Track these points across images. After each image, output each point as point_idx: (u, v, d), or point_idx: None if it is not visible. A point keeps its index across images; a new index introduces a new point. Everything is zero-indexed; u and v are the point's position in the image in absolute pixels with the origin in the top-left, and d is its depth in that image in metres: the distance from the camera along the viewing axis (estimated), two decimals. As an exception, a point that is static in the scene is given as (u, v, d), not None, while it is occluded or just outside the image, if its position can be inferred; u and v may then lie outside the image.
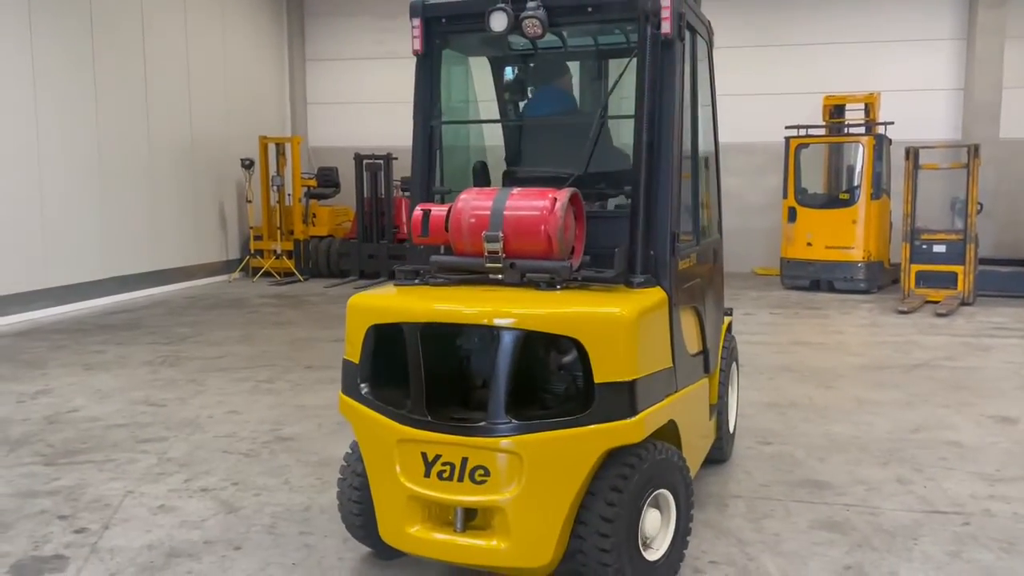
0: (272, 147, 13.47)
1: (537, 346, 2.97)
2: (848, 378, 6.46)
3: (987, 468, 4.39)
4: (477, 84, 4.10)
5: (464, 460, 2.77)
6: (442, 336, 3.01)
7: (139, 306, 10.37)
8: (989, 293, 10.66)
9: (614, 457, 2.79)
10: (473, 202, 3.11)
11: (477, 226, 3.07)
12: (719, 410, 4.17)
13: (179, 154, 12.30)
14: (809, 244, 11.46)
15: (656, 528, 2.93)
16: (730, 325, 4.54)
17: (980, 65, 13.14)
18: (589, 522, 2.74)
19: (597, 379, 2.74)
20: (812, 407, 5.63)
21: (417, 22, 3.60)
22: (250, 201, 13.42)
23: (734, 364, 4.59)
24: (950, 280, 10.25)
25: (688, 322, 3.52)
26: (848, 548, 3.43)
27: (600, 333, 2.76)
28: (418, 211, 3.27)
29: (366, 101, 15.46)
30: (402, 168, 13.88)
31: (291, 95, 15.72)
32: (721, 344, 4.23)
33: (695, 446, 3.62)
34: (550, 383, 3.12)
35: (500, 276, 3.07)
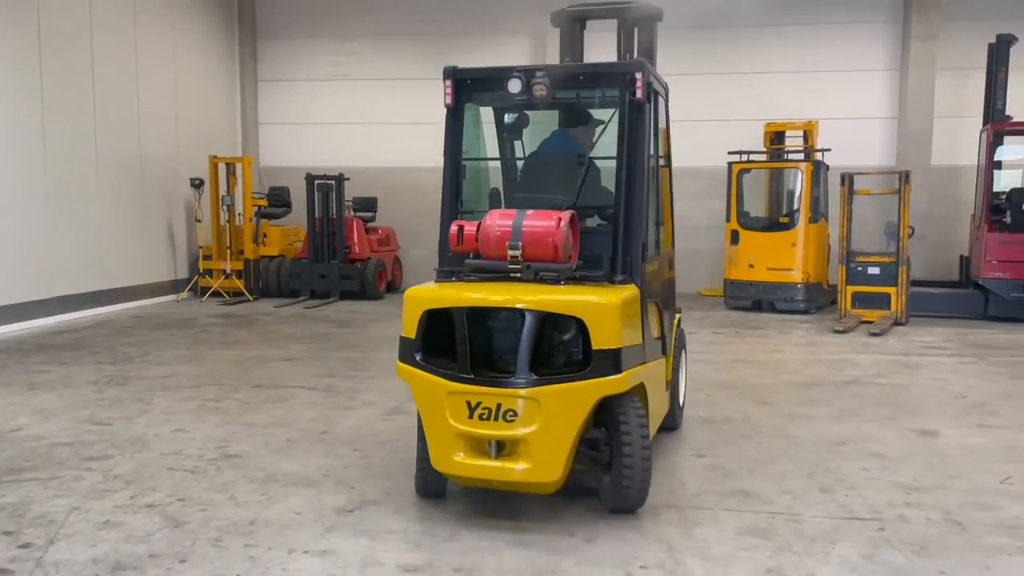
0: (222, 167, 13.46)
1: (548, 325, 3.97)
2: (783, 395, 6.72)
3: (906, 478, 4.64)
4: (487, 129, 5.03)
5: (498, 405, 3.83)
6: (479, 317, 4.01)
7: (84, 326, 10.26)
8: (921, 313, 11.11)
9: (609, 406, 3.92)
10: (498, 220, 4.19)
11: (501, 238, 4.13)
12: (673, 386, 5.31)
13: (127, 173, 12.23)
14: (751, 266, 11.82)
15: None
16: (679, 320, 5.61)
17: (912, 95, 13.73)
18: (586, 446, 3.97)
19: (594, 347, 3.81)
20: (747, 422, 5.86)
21: (449, 82, 4.50)
22: (199, 221, 13.37)
23: (683, 352, 5.75)
24: (884, 301, 10.67)
25: (652, 312, 4.62)
26: (771, 552, 3.62)
27: (596, 314, 3.84)
28: (454, 227, 4.30)
29: (318, 122, 15.54)
30: (354, 188, 13.99)
31: (242, 115, 15.72)
32: (674, 334, 5.36)
33: (655, 410, 4.62)
34: (555, 352, 4.07)
35: (518, 275, 4.11)
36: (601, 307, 3.85)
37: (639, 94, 4.22)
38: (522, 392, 3.79)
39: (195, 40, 14.23)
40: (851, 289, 10.85)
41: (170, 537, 3.77)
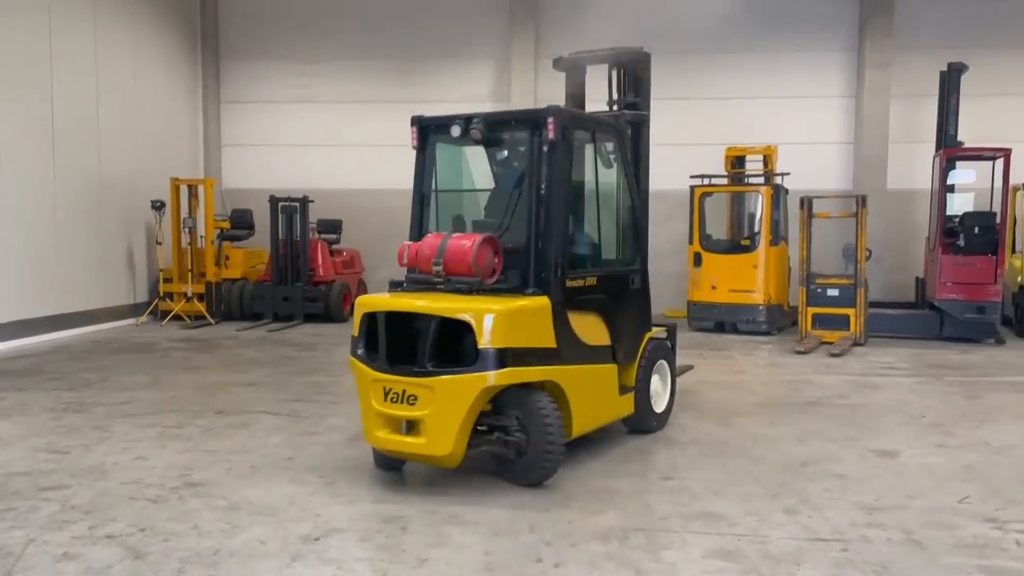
0: (184, 189, 13.32)
1: (449, 326, 4.70)
2: (747, 416, 6.79)
3: (867, 498, 4.71)
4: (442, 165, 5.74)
5: (404, 391, 4.72)
6: (401, 319, 4.86)
7: (40, 351, 10.04)
8: (879, 334, 11.32)
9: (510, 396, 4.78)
10: (429, 242, 5.12)
11: (429, 256, 5.04)
12: (639, 392, 5.84)
13: (86, 195, 12.04)
14: (714, 288, 11.96)
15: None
16: (655, 336, 6.14)
17: (868, 121, 14.09)
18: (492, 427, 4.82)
19: (479, 345, 4.59)
20: (712, 443, 5.91)
21: (415, 129, 5.53)
22: (160, 243, 13.20)
23: (663, 363, 6.24)
24: (843, 322, 10.86)
25: (585, 322, 5.29)
26: (738, 575, 3.65)
27: (480, 319, 4.59)
28: (401, 247, 5.20)
29: (282, 144, 15.48)
30: (318, 210, 13.92)
31: (205, 137, 15.60)
32: (642, 348, 5.90)
33: (590, 406, 5.32)
34: (452, 349, 4.79)
35: (441, 286, 4.99)
36: (483, 313, 4.62)
37: (551, 135, 5.01)
38: (420, 381, 4.66)
39: (157, 60, 14.12)
40: (811, 310, 11.03)
41: (131, 569, 3.69)
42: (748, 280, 11.76)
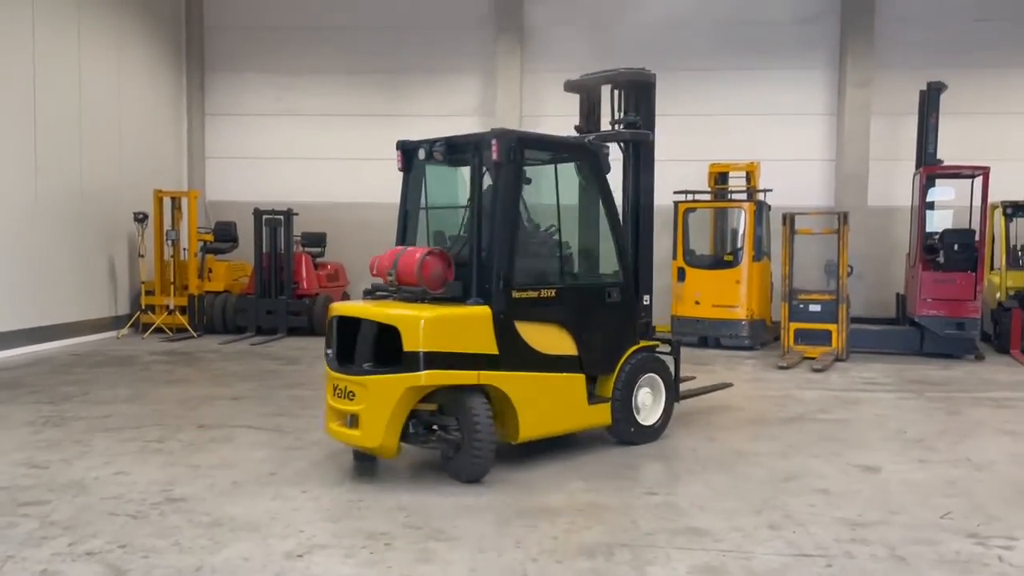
0: (167, 201, 13.25)
1: (386, 331, 5.17)
2: (731, 431, 6.82)
3: (850, 514, 4.73)
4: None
5: (346, 387, 5.27)
6: (348, 323, 5.45)
7: (20, 364, 9.93)
8: (861, 349, 11.40)
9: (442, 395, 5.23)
10: (389, 254, 5.61)
11: (387, 267, 5.54)
12: (618, 404, 6.03)
13: (68, 206, 11.95)
14: (697, 303, 12.02)
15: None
16: (644, 349, 6.28)
17: (849, 139, 14.25)
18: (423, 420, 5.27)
19: (404, 348, 5.02)
20: (696, 458, 5.93)
21: (399, 153, 6.10)
22: (142, 255, 13.10)
23: (653, 377, 6.31)
24: (825, 338, 10.93)
25: (541, 332, 5.61)
26: (723, 591, 3.65)
27: (407, 324, 5.05)
28: (373, 259, 5.66)
29: (267, 156, 15.44)
30: (303, 223, 13.88)
31: (189, 149, 15.54)
32: (622, 361, 6.06)
33: (545, 412, 5.61)
34: (392, 352, 5.15)
35: (395, 295, 5.56)
36: (410, 320, 5.05)
37: (495, 156, 5.41)
38: (357, 379, 5.21)
39: (142, 72, 14.07)
40: (794, 326, 11.10)
41: (112, 586, 3.64)
42: (731, 295, 11.82)
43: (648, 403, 6.31)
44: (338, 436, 5.37)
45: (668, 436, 6.54)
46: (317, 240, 14.26)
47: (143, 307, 13.02)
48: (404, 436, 5.25)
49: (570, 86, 7.08)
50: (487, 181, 5.65)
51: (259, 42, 15.42)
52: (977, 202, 11.29)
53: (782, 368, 10.15)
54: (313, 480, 5.28)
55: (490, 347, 5.28)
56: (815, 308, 11.05)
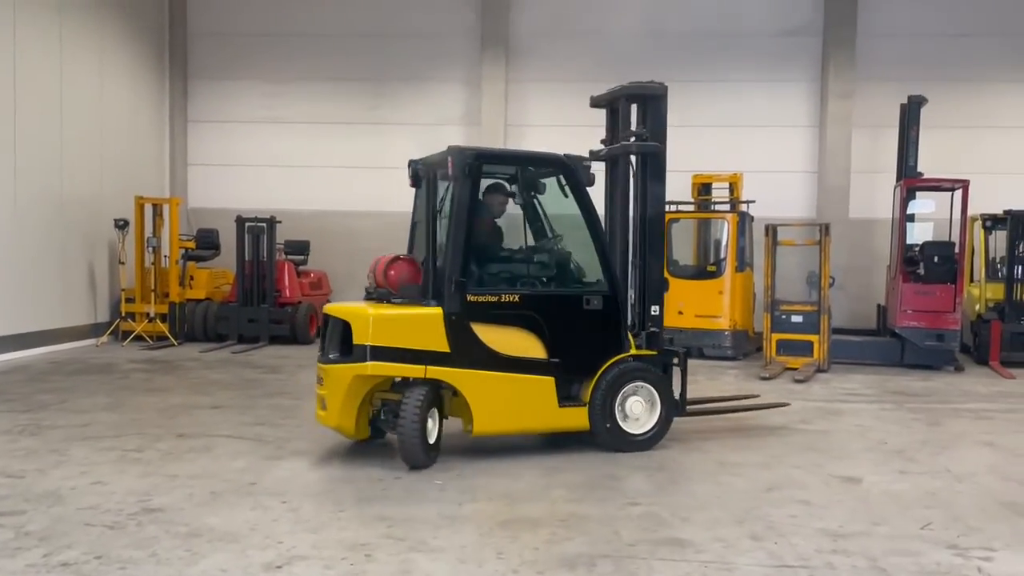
0: (149, 208, 13.15)
1: (348, 326, 5.83)
2: (713, 441, 6.82)
3: (832, 524, 4.74)
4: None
5: (320, 374, 6.06)
6: (329, 319, 6.15)
7: (-4, 371, 9.81)
8: (842, 360, 11.47)
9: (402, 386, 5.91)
10: (377, 260, 6.29)
11: (370, 273, 6.34)
12: (598, 410, 6.17)
13: (48, 212, 11.84)
14: (680, 313, 12.03)
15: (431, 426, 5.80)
16: (634, 357, 6.40)
17: (831, 151, 14.39)
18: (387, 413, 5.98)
19: (354, 341, 5.73)
20: (678, 469, 5.92)
21: (411, 170, 6.48)
22: (123, 263, 13.00)
23: (645, 386, 6.36)
24: (807, 348, 10.99)
25: (502, 334, 5.97)
26: (705, 602, 3.64)
27: (357, 321, 5.77)
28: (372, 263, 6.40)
29: (250, 164, 15.38)
30: (286, 231, 13.82)
31: (171, 156, 15.45)
32: (602, 368, 6.21)
33: (503, 410, 5.98)
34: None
35: (373, 296, 6.28)
36: (360, 317, 5.77)
37: (450, 171, 5.90)
38: (323, 367, 6.00)
39: (124, 78, 13.98)
40: (776, 336, 11.15)
41: (86, 598, 3.59)
42: (714, 306, 11.87)
43: (638, 412, 6.33)
44: (318, 418, 6.16)
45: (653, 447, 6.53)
46: (300, 248, 14.20)
47: (123, 315, 12.91)
48: (375, 421, 6.15)
49: (594, 102, 7.32)
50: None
51: (243, 49, 15.38)
52: (957, 215, 11.41)
53: (764, 379, 10.19)
54: (294, 490, 5.23)
55: (440, 345, 5.77)
56: (797, 319, 11.11)
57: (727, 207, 12.55)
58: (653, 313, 6.61)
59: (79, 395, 8.40)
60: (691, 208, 12.68)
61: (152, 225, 13.12)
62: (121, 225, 12.72)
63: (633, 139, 6.76)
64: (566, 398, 6.19)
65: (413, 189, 6.53)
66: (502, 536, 4.45)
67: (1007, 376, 10.71)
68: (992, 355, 11.43)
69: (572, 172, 6.31)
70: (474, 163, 5.99)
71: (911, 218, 12.25)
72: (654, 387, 6.40)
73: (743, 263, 12.10)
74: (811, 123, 14.76)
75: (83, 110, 12.72)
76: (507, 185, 6.58)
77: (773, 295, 11.24)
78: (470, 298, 5.89)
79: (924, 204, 12.69)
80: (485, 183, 6.40)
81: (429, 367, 5.74)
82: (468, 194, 5.98)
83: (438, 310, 5.82)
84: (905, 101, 12.32)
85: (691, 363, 11.26)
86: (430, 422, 5.76)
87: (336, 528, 4.54)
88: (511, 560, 4.10)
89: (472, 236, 5.97)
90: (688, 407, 6.81)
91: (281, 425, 7.14)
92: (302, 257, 14.20)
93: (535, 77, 15.01)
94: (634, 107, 6.96)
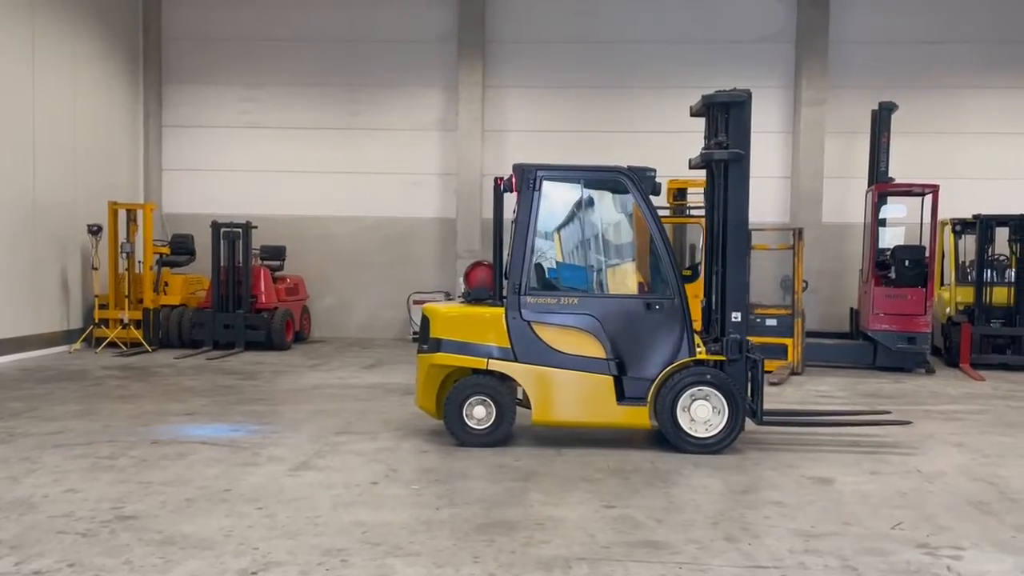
0: (123, 213, 13.03)
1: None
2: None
3: (804, 525, 4.80)
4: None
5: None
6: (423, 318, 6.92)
7: (-34, 379, 9.67)
8: (816, 363, 11.60)
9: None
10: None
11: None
12: (661, 410, 6.45)
13: (19, 217, 11.69)
14: (657, 317, 12.09)
15: (482, 413, 6.56)
16: (701, 362, 6.56)
17: (804, 156, 14.53)
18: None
19: (430, 335, 6.64)
20: (654, 472, 5.97)
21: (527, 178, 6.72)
22: (96, 268, 12.86)
23: (712, 391, 6.48)
24: (781, 351, 11.08)
25: (563, 334, 6.50)
26: (679, 603, 3.68)
27: (432, 317, 6.72)
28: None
29: (226, 169, 15.28)
30: (263, 237, 13.75)
31: (145, 161, 15.31)
32: (666, 371, 6.47)
33: (561, 402, 6.56)
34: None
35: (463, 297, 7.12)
36: (434, 313, 6.72)
37: (514, 186, 6.59)
38: (417, 356, 6.84)
39: (97, 82, 13.85)
40: (751, 339, 11.20)
41: (58, 606, 3.55)
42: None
43: (705, 416, 6.47)
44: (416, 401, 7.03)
45: (625, 450, 6.58)
46: (276, 253, 14.13)
47: (96, 321, 12.77)
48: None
49: (692, 111, 7.55)
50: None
51: (218, 53, 15.29)
52: (927, 219, 11.59)
53: (739, 382, 10.25)
54: (269, 496, 5.21)
55: (502, 341, 6.47)
56: (771, 322, 11.21)
57: (702, 212, 12.62)
58: (734, 319, 6.69)
59: (51, 402, 8.31)
60: (667, 213, 12.75)
61: (126, 230, 13.00)
62: (95, 231, 12.59)
63: (714, 147, 6.89)
64: (627, 397, 6.51)
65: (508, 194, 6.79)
66: (478, 540, 4.46)
67: (977, 378, 10.88)
68: (962, 357, 11.60)
69: (634, 182, 6.62)
70: (533, 178, 6.52)
71: (883, 223, 12.41)
72: (722, 392, 6.48)
73: (718, 267, 12.17)
74: (785, 129, 14.92)
75: (56, 114, 12.58)
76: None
77: (747, 299, 11.31)
78: (530, 300, 6.50)
79: (895, 209, 12.87)
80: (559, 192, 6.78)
81: (491, 360, 6.48)
82: (530, 207, 6.52)
83: (500, 310, 6.53)
84: (876, 107, 12.49)
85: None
86: (480, 408, 6.50)
87: (312, 534, 4.53)
88: (487, 564, 4.11)
89: (534, 244, 6.54)
90: (769, 416, 6.88)
91: (256, 431, 7.10)
92: (278, 262, 14.13)
93: (512, 83, 15.05)
94: (713, 114, 7.18)
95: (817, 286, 13.95)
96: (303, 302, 14.43)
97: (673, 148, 14.57)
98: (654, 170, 6.77)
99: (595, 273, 6.81)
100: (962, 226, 12.49)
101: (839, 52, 14.62)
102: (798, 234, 11.23)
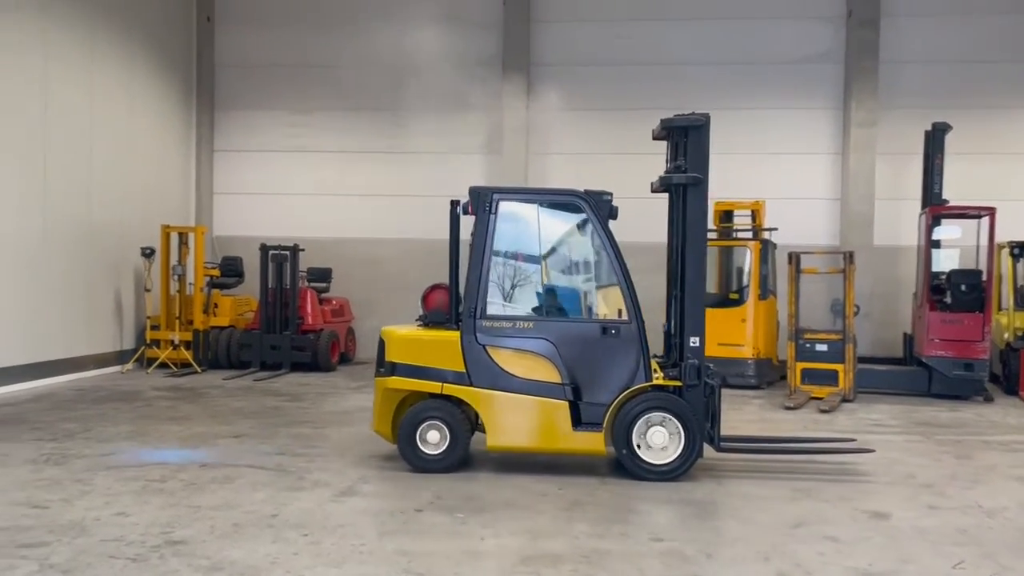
0: (175, 236, 13.31)
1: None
2: (736, 473, 6.73)
3: (861, 562, 4.65)
4: None
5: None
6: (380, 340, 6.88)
7: (22, 399, 9.90)
8: (868, 390, 11.31)
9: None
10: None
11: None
12: (619, 437, 6.34)
13: (76, 240, 12.00)
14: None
15: (436, 438, 6.50)
16: (657, 387, 6.48)
17: (854, 178, 14.27)
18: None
19: (386, 358, 6.62)
20: (702, 502, 5.85)
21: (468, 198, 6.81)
22: (148, 290, 13.13)
23: (667, 416, 6.37)
24: (832, 377, 10.85)
25: (517, 358, 6.44)
26: (730, 644, 3.58)
27: (387, 339, 6.70)
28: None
29: (275, 192, 15.53)
30: (310, 259, 13.92)
31: (197, 184, 15.63)
32: (622, 396, 6.38)
33: (513, 427, 6.46)
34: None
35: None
36: (388, 336, 6.69)
37: (470, 209, 6.64)
38: (376, 380, 6.79)
39: (152, 109, 14.21)
40: (800, 365, 11.02)
41: (108, 633, 3.58)
42: (737, 334, 11.77)
43: (661, 442, 6.36)
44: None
45: (677, 480, 6.46)
46: (323, 275, 14.28)
47: (148, 342, 13.02)
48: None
49: (654, 135, 7.46)
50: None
51: (267, 80, 15.59)
52: (983, 242, 11.27)
53: (789, 408, 10.07)
54: (314, 523, 5.22)
55: (457, 365, 6.42)
56: (822, 347, 10.98)
57: (749, 234, 12.48)
58: (692, 344, 6.60)
59: (104, 423, 8.47)
60: (713, 235, 12.61)
61: (178, 253, 13.27)
62: (148, 253, 12.87)
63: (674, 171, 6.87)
64: (583, 423, 6.40)
65: (465, 217, 6.82)
66: (524, 572, 4.40)
67: (1038, 406, 10.51)
68: (1021, 385, 11.19)
69: (591, 207, 6.53)
70: (486, 201, 6.50)
71: (937, 245, 12.11)
72: (678, 418, 6.36)
73: (766, 291, 12.01)
74: (834, 150, 14.67)
75: (112, 140, 12.92)
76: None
77: (797, 323, 11.13)
78: (486, 323, 6.44)
79: (950, 231, 12.55)
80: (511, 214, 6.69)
81: (445, 384, 6.43)
82: (486, 230, 6.51)
83: (456, 333, 6.47)
84: (929, 128, 12.24)
85: (714, 392, 11.32)
86: (434, 433, 6.45)
87: (357, 562, 4.52)
88: (533, 597, 4.05)
89: (489, 268, 6.47)
90: (727, 443, 6.77)
91: (302, 455, 7.14)
92: (324, 284, 14.28)
93: (556, 106, 15.09)
94: (672, 138, 7.10)
95: (869, 310, 13.64)
96: (348, 323, 14.55)
97: (720, 170, 14.44)
98: (610, 194, 6.71)
99: (550, 297, 6.77)
100: (1020, 249, 12.12)
101: (889, 72, 14.36)
102: (849, 257, 11.01)
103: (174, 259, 13.23)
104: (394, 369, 6.51)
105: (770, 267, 12.17)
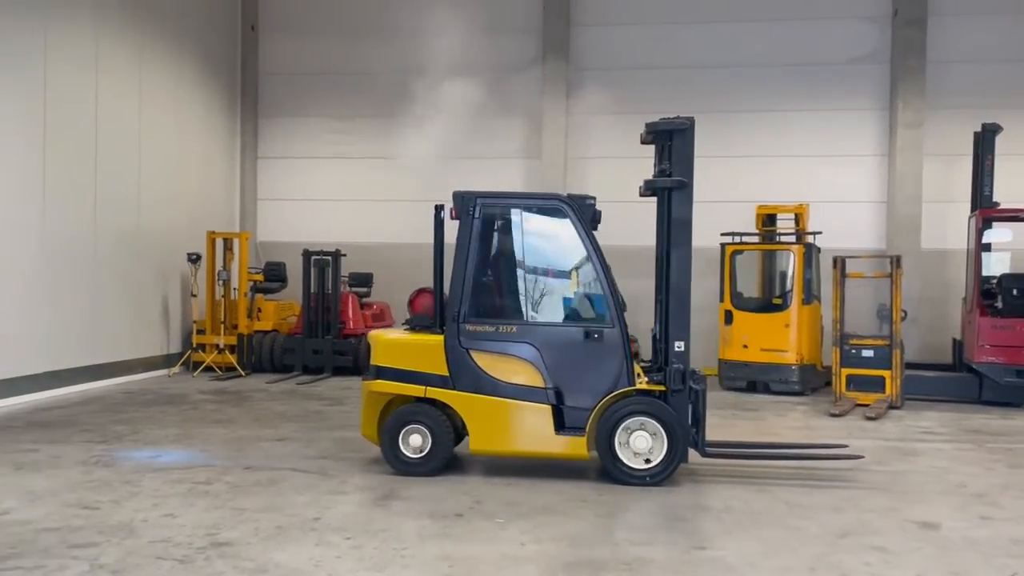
0: (220, 242, 13.54)
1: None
2: (781, 481, 6.63)
3: (909, 573, 4.55)
4: None
5: None
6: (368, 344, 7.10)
7: (73, 402, 10.14)
8: (916, 397, 11.07)
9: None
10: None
11: None
12: (601, 441, 6.35)
13: (125, 247, 12.26)
14: (745, 346, 11.83)
15: (418, 442, 6.55)
16: (641, 392, 6.43)
17: (901, 180, 14.00)
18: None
19: (371, 361, 6.75)
20: (746, 511, 5.77)
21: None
22: (195, 295, 13.36)
23: (650, 422, 6.32)
24: (878, 384, 10.64)
25: (501, 362, 6.49)
26: (776, 655, 3.52)
27: (372, 343, 6.84)
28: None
29: (317, 198, 15.72)
30: (351, 264, 14.06)
31: (242, 191, 15.89)
32: (604, 401, 6.37)
33: (496, 431, 6.49)
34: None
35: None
36: (374, 339, 6.85)
37: (453, 214, 6.77)
38: (361, 383, 6.92)
39: (198, 117, 14.49)
40: (845, 371, 10.83)
41: (157, 633, 3.65)
42: (780, 339, 11.62)
43: (643, 448, 6.34)
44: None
45: (717, 486, 6.39)
46: (364, 280, 14.41)
47: (194, 346, 13.25)
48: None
49: (642, 139, 7.37)
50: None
51: (309, 87, 15.79)
52: (1036, 245, 10.98)
53: (834, 415, 9.89)
54: (357, 526, 5.26)
55: (440, 369, 6.47)
56: (868, 353, 10.78)
57: (793, 238, 12.32)
58: (677, 349, 6.51)
59: (151, 426, 8.63)
60: (756, 239, 12.48)
61: (223, 258, 13.49)
62: (194, 259, 13.11)
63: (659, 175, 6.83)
64: (566, 427, 6.43)
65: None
66: (565, 579, 4.39)
67: (1095, 415, 10.19)
68: (1076, 391, 10.89)
69: (573, 211, 6.55)
70: (469, 206, 6.59)
71: (987, 248, 11.82)
72: (661, 423, 6.33)
73: (810, 295, 11.83)
74: (880, 152, 14.42)
75: (160, 148, 13.20)
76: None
77: (842, 328, 10.94)
78: (469, 328, 6.49)
79: (1001, 234, 12.24)
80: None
81: (429, 388, 6.50)
82: (469, 234, 6.61)
83: (439, 337, 6.53)
84: (978, 129, 11.96)
85: (756, 398, 11.21)
86: (416, 437, 6.50)
87: (399, 566, 4.54)
88: (575, 605, 4.04)
89: (473, 272, 6.57)
90: (712, 448, 6.70)
91: (345, 459, 7.20)
92: (365, 289, 14.41)
93: (596, 110, 15.03)
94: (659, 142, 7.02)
95: (916, 315, 13.34)
96: (389, 328, 14.65)
97: (763, 173, 14.33)
98: (593, 198, 6.69)
99: (533, 301, 6.74)
100: (1075, 252, 11.78)
101: (937, 72, 14.06)
102: (896, 261, 10.80)
103: (219, 264, 13.46)
104: (379, 373, 6.60)
105: (814, 271, 11.99)
